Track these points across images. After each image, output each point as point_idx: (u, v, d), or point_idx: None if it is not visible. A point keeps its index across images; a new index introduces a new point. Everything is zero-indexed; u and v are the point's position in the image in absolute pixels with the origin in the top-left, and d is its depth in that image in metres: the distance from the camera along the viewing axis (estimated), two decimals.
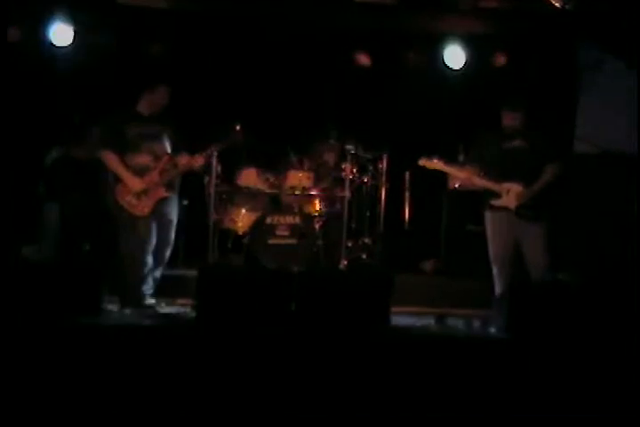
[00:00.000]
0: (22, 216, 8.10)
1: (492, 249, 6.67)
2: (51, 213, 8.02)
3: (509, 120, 6.67)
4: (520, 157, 6.62)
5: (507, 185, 6.56)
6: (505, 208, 6.58)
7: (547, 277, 6.45)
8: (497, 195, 6.61)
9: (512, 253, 6.62)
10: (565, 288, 6.00)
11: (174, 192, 6.85)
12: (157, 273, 6.79)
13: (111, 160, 6.60)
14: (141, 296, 6.62)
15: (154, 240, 6.64)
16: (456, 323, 6.57)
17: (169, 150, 6.74)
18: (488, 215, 6.73)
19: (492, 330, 6.18)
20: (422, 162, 6.74)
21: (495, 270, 6.64)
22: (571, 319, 5.70)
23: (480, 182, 6.66)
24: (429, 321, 6.65)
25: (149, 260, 6.65)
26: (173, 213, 6.85)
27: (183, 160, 6.77)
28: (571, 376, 5.11)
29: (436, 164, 6.70)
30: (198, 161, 6.86)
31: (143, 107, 6.76)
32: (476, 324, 6.45)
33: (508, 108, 6.68)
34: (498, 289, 6.60)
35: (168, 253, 6.84)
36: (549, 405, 4.87)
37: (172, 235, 6.85)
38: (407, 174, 8.78)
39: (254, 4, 8.24)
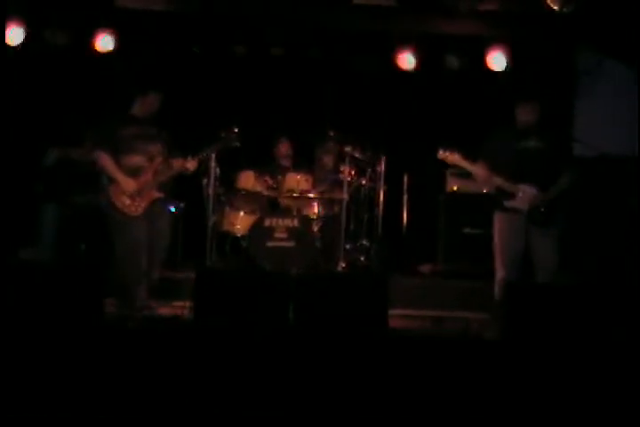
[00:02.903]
0: (19, 217, 8.10)
1: (500, 251, 6.48)
2: (48, 215, 8.02)
3: (525, 114, 6.47)
4: (536, 158, 6.43)
5: (522, 186, 6.39)
6: (517, 210, 6.42)
7: (555, 280, 6.34)
8: (510, 196, 6.44)
9: (521, 256, 6.46)
10: (563, 291, 5.99)
11: (166, 194, 6.83)
12: (155, 275, 6.79)
13: (105, 161, 6.60)
14: (136, 297, 6.60)
15: (146, 241, 6.64)
16: (453, 326, 6.56)
17: (163, 152, 6.75)
18: (499, 216, 6.54)
19: (490, 333, 6.16)
20: (442, 155, 6.52)
21: (500, 273, 6.45)
22: (568, 323, 5.69)
23: (497, 182, 6.46)
24: (427, 324, 6.64)
25: (143, 261, 6.64)
26: (167, 216, 6.84)
27: (177, 162, 6.77)
28: (567, 380, 5.11)
29: (455, 158, 6.48)
30: (192, 164, 6.85)
31: (137, 110, 6.76)
32: (474, 327, 6.44)
33: (525, 100, 6.48)
34: (499, 292, 6.43)
35: (164, 255, 6.83)
36: (546, 408, 4.88)
37: (168, 237, 6.84)
38: (405, 177, 8.79)
39: (253, 6, 8.25)
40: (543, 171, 6.45)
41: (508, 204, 6.46)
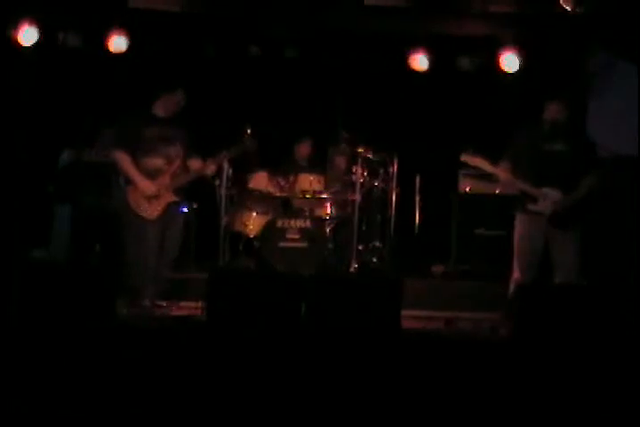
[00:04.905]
0: (33, 218, 8.14)
1: (519, 253, 6.48)
2: (62, 215, 8.06)
3: (554, 113, 6.41)
4: (560, 161, 6.41)
5: (545, 190, 6.36)
6: (539, 213, 6.40)
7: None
8: (533, 199, 6.41)
9: (539, 258, 6.46)
10: (575, 291, 5.99)
11: (179, 195, 6.83)
12: (165, 277, 6.78)
13: (124, 162, 6.56)
14: (142, 298, 6.59)
15: (158, 244, 6.64)
16: (465, 327, 6.57)
17: (182, 154, 6.73)
18: (520, 218, 6.53)
19: (502, 334, 6.17)
20: (464, 158, 6.52)
21: (517, 274, 6.46)
22: (581, 323, 5.69)
23: (520, 185, 6.44)
24: (439, 325, 6.65)
25: (154, 263, 6.64)
26: (180, 218, 6.85)
27: (195, 165, 6.76)
28: (579, 380, 5.10)
29: (478, 161, 6.48)
30: (210, 168, 6.84)
31: (159, 109, 6.69)
32: (486, 328, 6.44)
33: (554, 98, 6.43)
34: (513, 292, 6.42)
35: (175, 256, 6.82)
36: (558, 409, 4.87)
37: (180, 240, 6.84)
38: (417, 178, 8.79)
39: (267, 7, 8.26)
40: (567, 174, 6.42)
41: (531, 207, 6.44)
